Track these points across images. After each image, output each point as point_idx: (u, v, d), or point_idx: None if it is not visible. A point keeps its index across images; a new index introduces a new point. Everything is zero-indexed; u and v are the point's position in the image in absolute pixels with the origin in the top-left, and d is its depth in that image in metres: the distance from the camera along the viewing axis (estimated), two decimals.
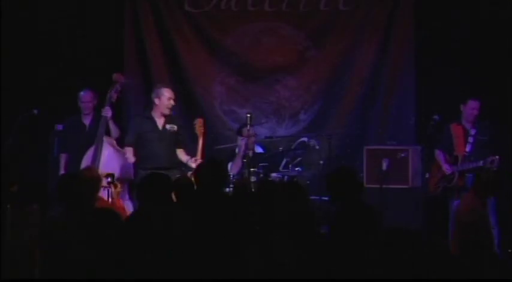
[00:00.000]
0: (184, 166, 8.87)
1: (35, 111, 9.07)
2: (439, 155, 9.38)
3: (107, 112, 9.00)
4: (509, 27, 9.69)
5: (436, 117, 9.14)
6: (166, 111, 8.95)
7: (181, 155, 8.97)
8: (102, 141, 8.91)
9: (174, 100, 9.02)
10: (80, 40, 10.42)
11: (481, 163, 8.93)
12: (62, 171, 9.19)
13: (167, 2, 10.73)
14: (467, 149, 9.25)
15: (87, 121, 9.35)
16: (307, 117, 10.59)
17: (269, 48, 10.65)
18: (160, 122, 8.98)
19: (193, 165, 8.53)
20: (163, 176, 6.42)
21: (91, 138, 9.06)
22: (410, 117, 10.31)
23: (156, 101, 8.95)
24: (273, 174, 9.48)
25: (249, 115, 9.22)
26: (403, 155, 9.54)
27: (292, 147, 9.95)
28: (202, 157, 8.76)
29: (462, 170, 9.15)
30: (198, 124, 9.00)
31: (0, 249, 5.88)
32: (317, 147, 9.70)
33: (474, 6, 9.83)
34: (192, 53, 10.71)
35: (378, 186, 9.21)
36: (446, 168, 9.28)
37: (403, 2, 10.32)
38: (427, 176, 9.33)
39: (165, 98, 8.93)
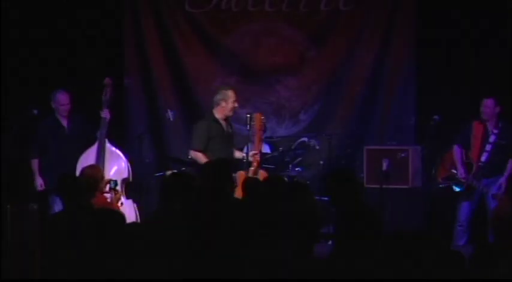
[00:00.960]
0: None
1: (35, 111, 9.07)
2: (456, 152, 9.19)
3: (106, 114, 9.02)
4: (510, 27, 9.69)
5: (436, 117, 9.13)
6: (231, 113, 9.07)
7: (235, 153, 9.08)
8: (105, 142, 8.91)
9: (238, 102, 9.15)
10: (80, 40, 10.42)
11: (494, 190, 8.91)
12: (37, 176, 9.12)
13: (167, 2, 10.73)
14: (483, 158, 9.08)
15: (64, 123, 9.28)
16: (307, 117, 10.59)
17: (269, 49, 10.65)
18: (224, 124, 9.09)
19: (252, 159, 8.77)
20: (185, 175, 6.47)
21: (71, 140, 9.07)
22: (410, 117, 10.31)
23: (223, 103, 9.03)
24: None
25: (249, 115, 9.23)
26: (403, 155, 9.53)
27: (292, 147, 9.96)
28: (259, 150, 8.90)
29: (473, 182, 9.05)
30: (256, 119, 9.03)
31: (0, 249, 5.87)
32: (317, 147, 9.71)
33: (474, 6, 9.83)
34: (192, 53, 10.71)
35: (378, 186, 9.21)
36: (461, 173, 9.13)
37: (404, 2, 10.32)
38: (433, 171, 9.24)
39: (231, 101, 9.03)
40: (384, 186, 9.19)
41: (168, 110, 10.02)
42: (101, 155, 8.84)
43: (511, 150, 9.04)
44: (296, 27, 10.60)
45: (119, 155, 8.96)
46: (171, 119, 10.05)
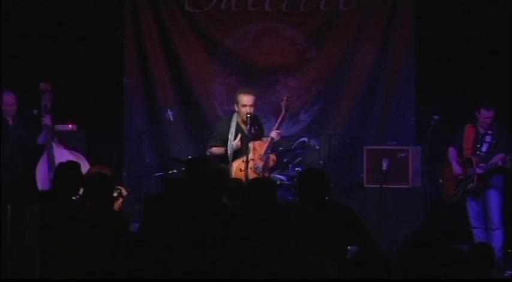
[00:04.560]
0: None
1: (35, 111, 9.07)
2: (451, 153, 9.20)
3: (48, 121, 8.96)
4: (510, 27, 9.69)
5: (436, 117, 9.12)
6: (244, 118, 9.22)
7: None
8: (51, 147, 8.88)
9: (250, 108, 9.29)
10: (80, 40, 10.42)
11: (500, 162, 8.78)
12: None
13: (167, 2, 10.73)
14: (484, 149, 8.99)
15: (10, 122, 9.21)
16: (307, 117, 10.60)
17: (269, 49, 10.66)
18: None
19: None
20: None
21: (16, 140, 9.02)
22: (410, 117, 10.32)
23: (235, 106, 9.28)
24: (276, 175, 9.46)
25: (249, 115, 9.23)
26: (403, 155, 9.54)
27: (292, 147, 9.96)
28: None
29: (480, 173, 8.88)
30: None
31: (0, 249, 5.87)
32: (317, 147, 9.70)
33: (474, 6, 9.83)
34: (192, 53, 10.72)
35: (377, 186, 9.21)
36: (456, 169, 9.12)
37: (404, 2, 10.33)
38: (440, 181, 9.20)
39: (240, 105, 9.23)
40: (384, 186, 9.19)
41: (168, 110, 10.02)
42: (51, 160, 8.79)
43: (505, 151, 8.95)
44: (296, 27, 10.61)
45: (74, 156, 8.87)
46: (171, 119, 10.05)
